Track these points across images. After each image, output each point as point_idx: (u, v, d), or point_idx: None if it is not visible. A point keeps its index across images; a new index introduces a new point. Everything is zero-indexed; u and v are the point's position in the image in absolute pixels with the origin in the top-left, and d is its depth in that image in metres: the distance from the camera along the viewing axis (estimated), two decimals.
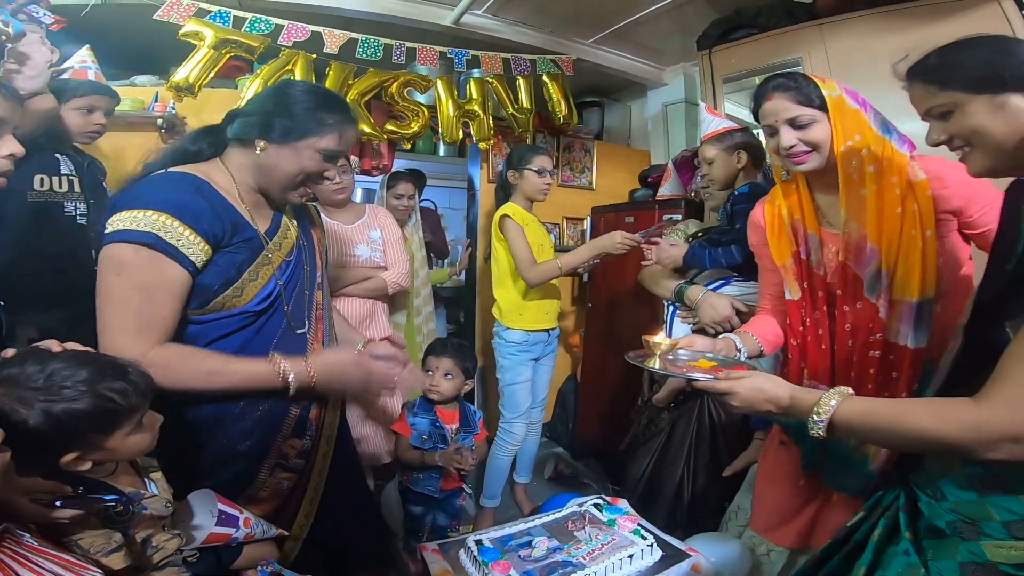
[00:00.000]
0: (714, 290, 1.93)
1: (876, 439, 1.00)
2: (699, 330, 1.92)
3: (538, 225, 2.75)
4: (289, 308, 1.38)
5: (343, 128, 1.35)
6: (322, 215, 1.80)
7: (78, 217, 2.00)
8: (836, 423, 0.97)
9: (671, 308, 2.11)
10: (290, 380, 1.25)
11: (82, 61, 2.15)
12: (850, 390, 0.99)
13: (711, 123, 2.09)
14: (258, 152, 1.30)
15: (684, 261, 2.04)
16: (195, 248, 1.19)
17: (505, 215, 2.60)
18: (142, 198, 1.17)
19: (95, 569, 0.85)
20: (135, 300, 1.15)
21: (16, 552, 0.76)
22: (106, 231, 1.16)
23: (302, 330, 1.41)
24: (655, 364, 1.21)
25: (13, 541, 0.77)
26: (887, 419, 0.93)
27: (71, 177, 2.00)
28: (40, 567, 0.77)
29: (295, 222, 1.47)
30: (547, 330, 2.73)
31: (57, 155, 1.98)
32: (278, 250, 1.36)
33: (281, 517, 1.37)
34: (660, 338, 1.21)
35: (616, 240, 2.37)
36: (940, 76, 0.95)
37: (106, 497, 0.95)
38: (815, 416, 0.98)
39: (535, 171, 2.63)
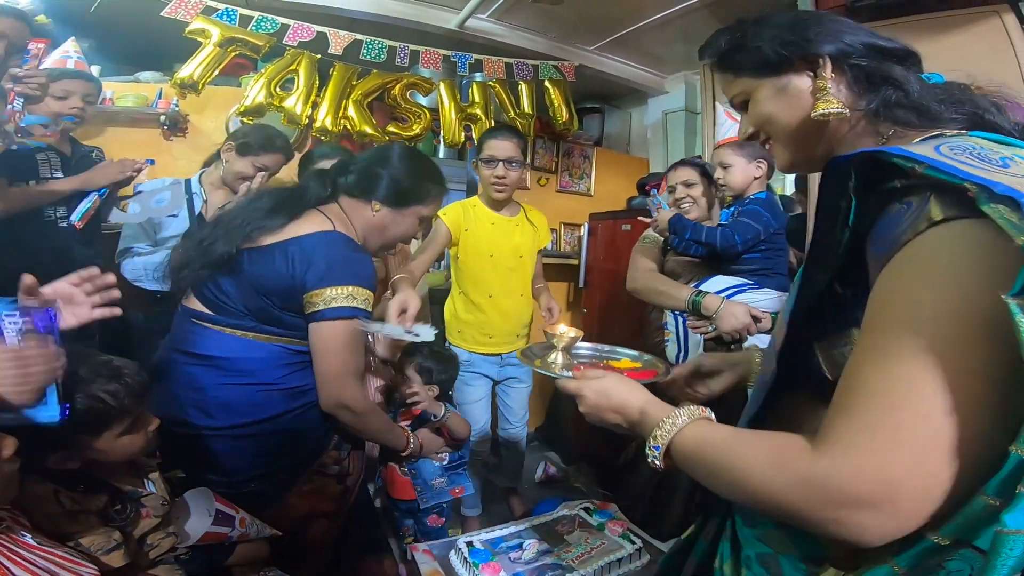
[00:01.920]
0: (728, 298, 1.92)
1: (709, 482, 0.69)
2: (715, 339, 1.89)
3: (500, 227, 2.31)
4: None
5: (441, 197, 1.60)
6: None
7: (59, 221, 1.99)
8: (675, 452, 0.73)
9: (678, 318, 2.05)
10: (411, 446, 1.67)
11: (63, 52, 2.14)
12: (707, 411, 0.75)
13: (728, 128, 2.09)
14: (373, 213, 1.49)
15: (669, 224, 1.99)
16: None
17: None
18: (356, 275, 1.35)
19: (90, 565, 0.86)
20: (353, 356, 1.38)
21: (11, 550, 0.77)
22: (324, 304, 1.31)
23: None
24: (556, 359, 1.07)
25: (9, 539, 0.78)
26: (717, 457, 0.68)
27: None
28: (35, 565, 0.78)
29: None
30: (495, 354, 2.39)
31: (40, 155, 1.98)
32: None
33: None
34: (564, 330, 1.08)
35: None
36: (730, 61, 0.85)
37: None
38: (652, 440, 0.75)
39: (483, 161, 2.26)
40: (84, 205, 1.95)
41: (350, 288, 1.32)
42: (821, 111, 0.74)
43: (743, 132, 0.88)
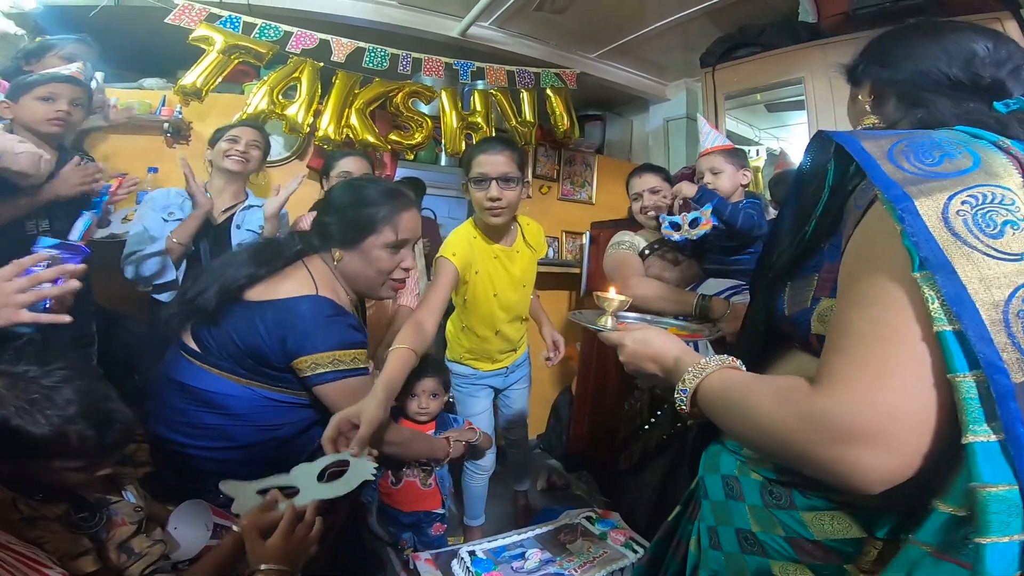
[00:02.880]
0: (727, 298, 1.94)
1: (727, 424, 0.74)
2: (718, 341, 1.91)
3: (502, 261, 2.06)
4: None
5: (396, 217, 1.47)
6: None
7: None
8: (700, 396, 0.78)
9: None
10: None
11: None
12: (737, 361, 0.80)
13: (715, 136, 2.11)
14: (337, 263, 1.48)
15: (698, 192, 2.00)
16: (367, 360, 1.46)
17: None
18: (334, 341, 1.37)
19: (58, 569, 0.84)
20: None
21: None
22: (310, 371, 1.35)
23: None
24: (606, 322, 1.09)
25: None
26: (735, 397, 0.73)
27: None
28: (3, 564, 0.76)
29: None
30: (500, 369, 2.30)
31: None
32: None
33: None
34: (613, 294, 1.11)
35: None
36: (848, 73, 0.96)
37: None
38: (680, 384, 0.79)
39: (474, 181, 1.92)
40: (80, 226, 1.78)
41: (335, 353, 1.36)
42: (861, 127, 0.89)
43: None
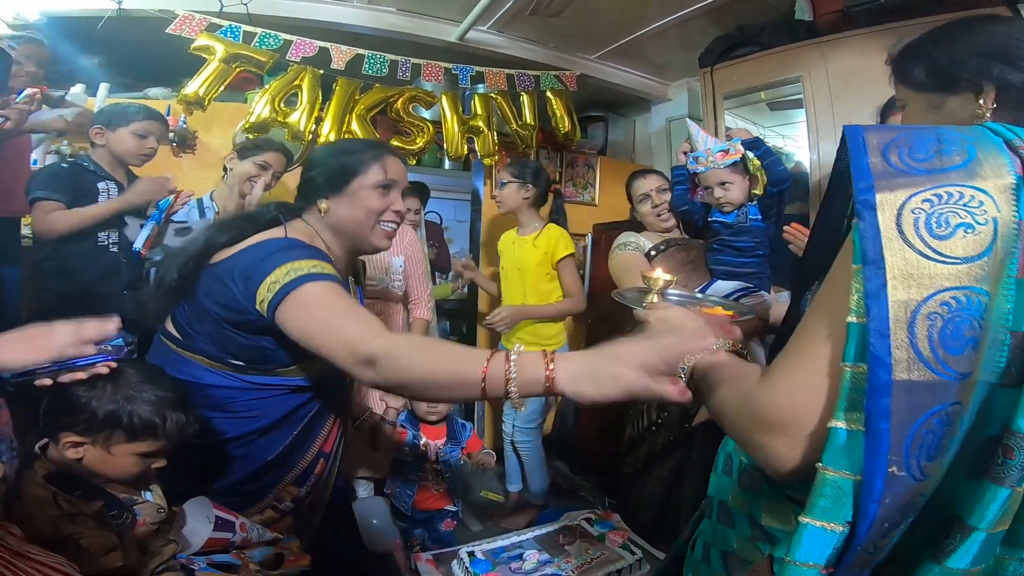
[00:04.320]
0: (736, 300, 1.96)
1: (706, 403, 0.79)
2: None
3: (515, 246, 2.78)
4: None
5: (381, 158, 1.43)
6: None
7: (110, 246, 2.14)
8: (694, 375, 0.82)
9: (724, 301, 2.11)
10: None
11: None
12: (738, 346, 0.85)
13: (714, 143, 2.10)
14: (323, 215, 1.41)
15: (751, 140, 2.07)
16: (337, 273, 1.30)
17: None
18: (287, 255, 1.21)
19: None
20: (342, 313, 1.17)
21: (7, 561, 0.79)
22: (269, 294, 1.17)
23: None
24: (652, 299, 1.10)
25: (3, 550, 0.80)
26: (716, 378, 0.78)
27: None
28: (23, 572, 0.80)
29: (356, 289, 1.58)
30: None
31: (101, 183, 2.13)
32: None
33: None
34: (659, 274, 1.12)
35: None
36: (898, 67, 0.91)
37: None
38: (683, 362, 0.83)
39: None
40: (144, 232, 2.06)
41: (287, 265, 1.18)
42: None
43: None
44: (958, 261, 0.55)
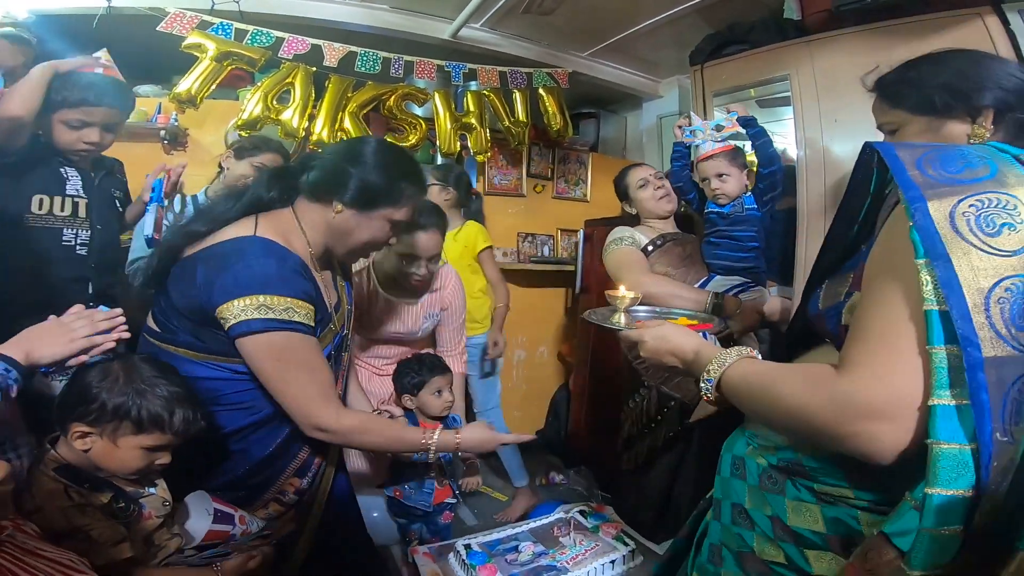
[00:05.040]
0: (736, 296, 2.02)
1: (752, 408, 0.84)
2: (727, 337, 1.96)
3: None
4: (342, 370, 1.49)
5: (418, 198, 1.41)
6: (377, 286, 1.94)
7: (78, 247, 1.81)
8: (724, 385, 0.87)
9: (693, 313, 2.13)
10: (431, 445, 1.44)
11: (91, 64, 1.86)
12: (753, 351, 0.89)
13: (712, 120, 2.14)
14: (334, 215, 1.33)
15: (748, 117, 2.13)
16: (313, 318, 1.27)
17: None
18: (263, 282, 1.18)
19: (89, 572, 0.89)
20: (305, 375, 1.23)
21: (17, 558, 0.81)
22: (234, 319, 1.17)
23: (340, 388, 1.49)
24: (619, 319, 1.14)
25: (14, 547, 0.82)
26: (760, 384, 0.82)
27: (76, 199, 1.81)
28: (40, 571, 0.81)
29: (344, 285, 1.53)
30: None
31: (64, 169, 1.80)
32: (337, 322, 1.43)
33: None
34: (623, 292, 1.16)
35: None
36: (892, 93, 0.98)
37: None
38: (705, 374, 0.89)
39: None
40: (150, 217, 1.88)
41: (261, 298, 1.17)
42: None
43: None
44: (1009, 254, 0.64)
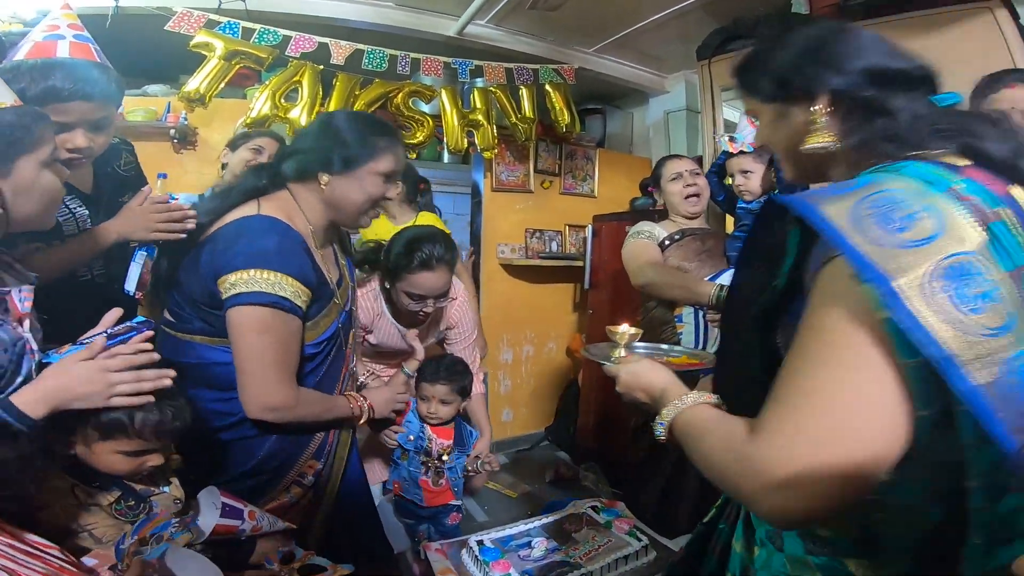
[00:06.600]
0: None
1: (691, 458, 0.77)
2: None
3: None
4: (348, 348, 1.52)
5: (395, 148, 1.45)
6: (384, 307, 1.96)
7: (96, 278, 1.53)
8: (674, 429, 0.82)
9: (698, 312, 2.11)
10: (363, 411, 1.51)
11: (50, 27, 1.34)
12: (712, 397, 0.83)
13: (750, 133, 2.12)
14: (323, 187, 1.39)
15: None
16: (305, 300, 1.31)
17: None
18: (262, 257, 1.24)
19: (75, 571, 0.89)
20: (279, 354, 1.28)
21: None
22: (230, 291, 1.23)
23: (352, 365, 1.56)
24: (619, 354, 1.14)
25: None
26: (696, 435, 0.78)
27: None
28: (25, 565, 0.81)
29: (345, 262, 1.57)
30: None
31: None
32: (340, 297, 1.47)
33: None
34: (624, 328, 1.17)
35: None
36: (744, 81, 0.88)
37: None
38: (659, 417, 0.84)
39: None
40: (133, 272, 1.36)
41: (251, 272, 1.22)
42: (810, 145, 0.78)
43: (756, 142, 0.94)
44: (999, 333, 0.55)
